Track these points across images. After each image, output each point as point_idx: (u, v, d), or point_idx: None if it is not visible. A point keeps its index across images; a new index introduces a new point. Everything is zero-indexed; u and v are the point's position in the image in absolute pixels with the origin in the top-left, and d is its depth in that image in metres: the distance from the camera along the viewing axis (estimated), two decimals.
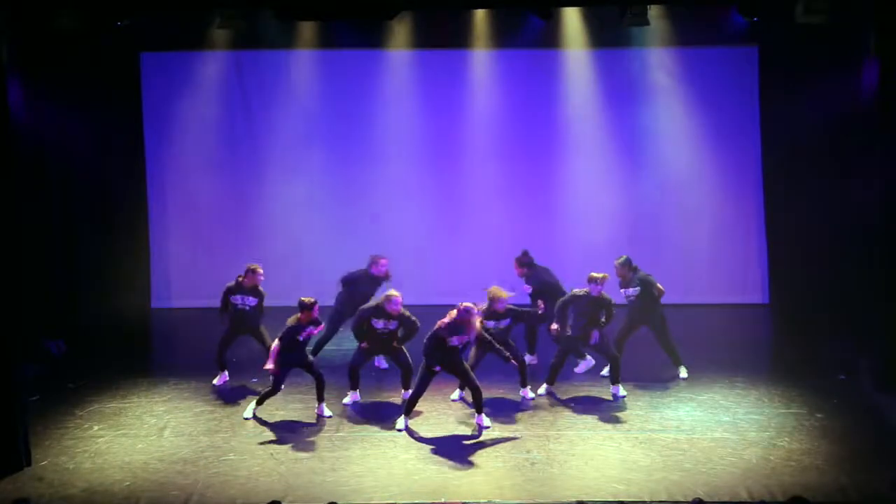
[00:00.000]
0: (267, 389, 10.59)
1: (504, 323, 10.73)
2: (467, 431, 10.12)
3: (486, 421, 10.20)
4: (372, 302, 10.82)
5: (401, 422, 10.22)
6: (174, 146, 15.13)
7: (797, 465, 9.22)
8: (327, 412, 10.62)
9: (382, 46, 14.78)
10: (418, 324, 10.65)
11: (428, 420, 10.42)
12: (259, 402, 10.63)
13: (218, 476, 9.18)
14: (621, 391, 11.00)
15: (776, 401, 10.85)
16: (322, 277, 12.74)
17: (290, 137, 15.14)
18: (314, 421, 10.49)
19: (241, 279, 11.40)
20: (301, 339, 10.45)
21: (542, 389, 11.16)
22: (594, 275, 10.88)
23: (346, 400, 10.96)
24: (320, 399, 10.65)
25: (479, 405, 10.19)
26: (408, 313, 10.61)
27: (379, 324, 10.59)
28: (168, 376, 11.92)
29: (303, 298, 10.42)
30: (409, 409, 10.30)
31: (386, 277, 11.83)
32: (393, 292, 10.58)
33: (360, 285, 11.69)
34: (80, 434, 10.20)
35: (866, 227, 12.08)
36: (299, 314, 10.37)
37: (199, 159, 15.17)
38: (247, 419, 10.53)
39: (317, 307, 10.43)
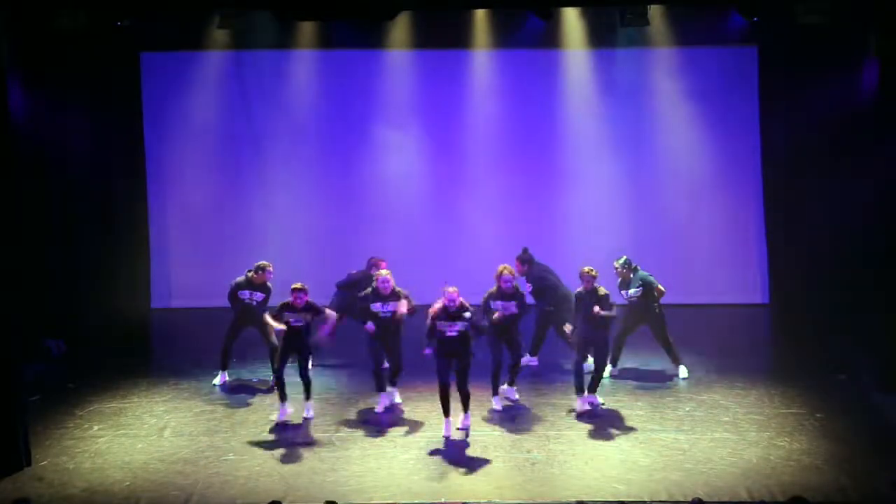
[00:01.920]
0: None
1: (511, 308, 10.60)
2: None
3: (468, 420, 10.14)
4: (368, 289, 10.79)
5: (442, 429, 10.01)
6: (174, 146, 15.13)
7: (797, 465, 9.22)
8: (311, 413, 10.57)
9: (382, 46, 14.78)
10: (413, 303, 10.63)
11: (428, 420, 10.40)
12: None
13: (218, 476, 9.18)
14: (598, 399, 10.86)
15: (776, 401, 10.84)
16: (322, 277, 12.73)
17: (289, 137, 15.14)
18: (314, 421, 10.48)
19: (250, 275, 11.43)
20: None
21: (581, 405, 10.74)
22: (594, 271, 10.70)
23: (378, 408, 10.70)
24: (307, 398, 10.65)
25: (465, 405, 10.14)
26: (403, 291, 10.61)
27: (377, 306, 10.54)
28: (168, 376, 11.92)
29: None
30: (445, 409, 10.05)
31: None
32: (381, 272, 10.63)
33: (359, 287, 11.69)
34: (80, 434, 10.20)
35: (866, 227, 12.07)
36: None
37: (199, 159, 15.17)
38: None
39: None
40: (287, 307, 10.44)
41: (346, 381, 11.46)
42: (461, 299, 9.96)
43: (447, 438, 9.87)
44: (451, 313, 9.92)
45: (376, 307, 10.54)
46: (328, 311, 10.77)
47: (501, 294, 10.61)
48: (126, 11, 13.12)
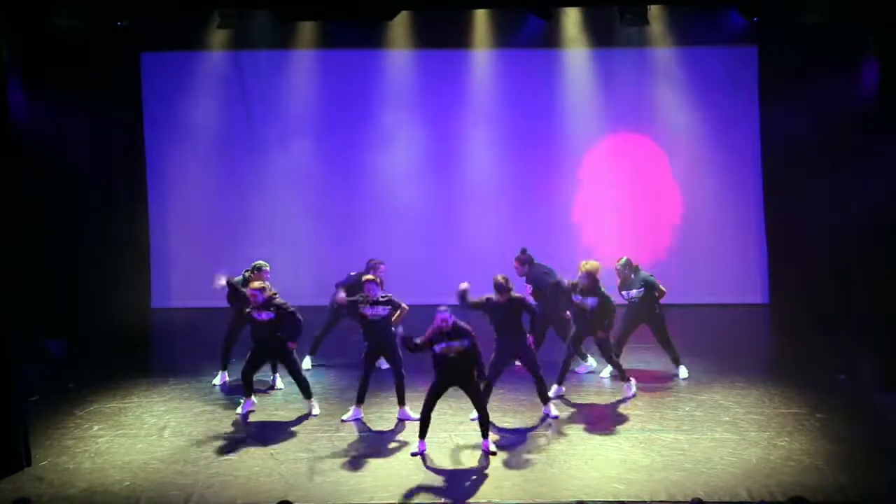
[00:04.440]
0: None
1: (590, 301, 10.75)
2: (466, 432, 10.09)
3: (491, 446, 9.58)
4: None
5: (415, 446, 9.60)
6: (174, 146, 15.13)
7: (797, 465, 9.22)
8: (316, 410, 10.63)
9: (382, 46, 14.79)
10: (404, 305, 10.45)
11: None
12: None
13: (218, 476, 9.18)
14: (553, 411, 10.51)
15: (776, 401, 10.84)
16: (322, 278, 12.74)
17: (289, 137, 15.15)
18: (314, 421, 10.49)
19: (247, 275, 11.42)
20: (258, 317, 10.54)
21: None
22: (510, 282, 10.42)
23: (347, 416, 10.48)
24: (308, 396, 10.68)
25: (484, 430, 9.61)
26: (392, 296, 10.43)
27: (367, 310, 10.40)
28: (168, 376, 11.93)
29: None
30: (422, 431, 9.61)
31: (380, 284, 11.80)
32: (367, 276, 10.57)
33: (358, 289, 11.67)
34: (80, 434, 10.20)
35: (866, 227, 12.07)
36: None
37: (199, 159, 15.17)
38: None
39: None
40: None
41: (346, 382, 11.44)
42: (454, 319, 9.45)
43: (421, 454, 9.47)
44: (448, 333, 9.43)
45: (367, 311, 10.39)
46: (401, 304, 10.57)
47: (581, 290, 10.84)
48: (126, 11, 13.13)
